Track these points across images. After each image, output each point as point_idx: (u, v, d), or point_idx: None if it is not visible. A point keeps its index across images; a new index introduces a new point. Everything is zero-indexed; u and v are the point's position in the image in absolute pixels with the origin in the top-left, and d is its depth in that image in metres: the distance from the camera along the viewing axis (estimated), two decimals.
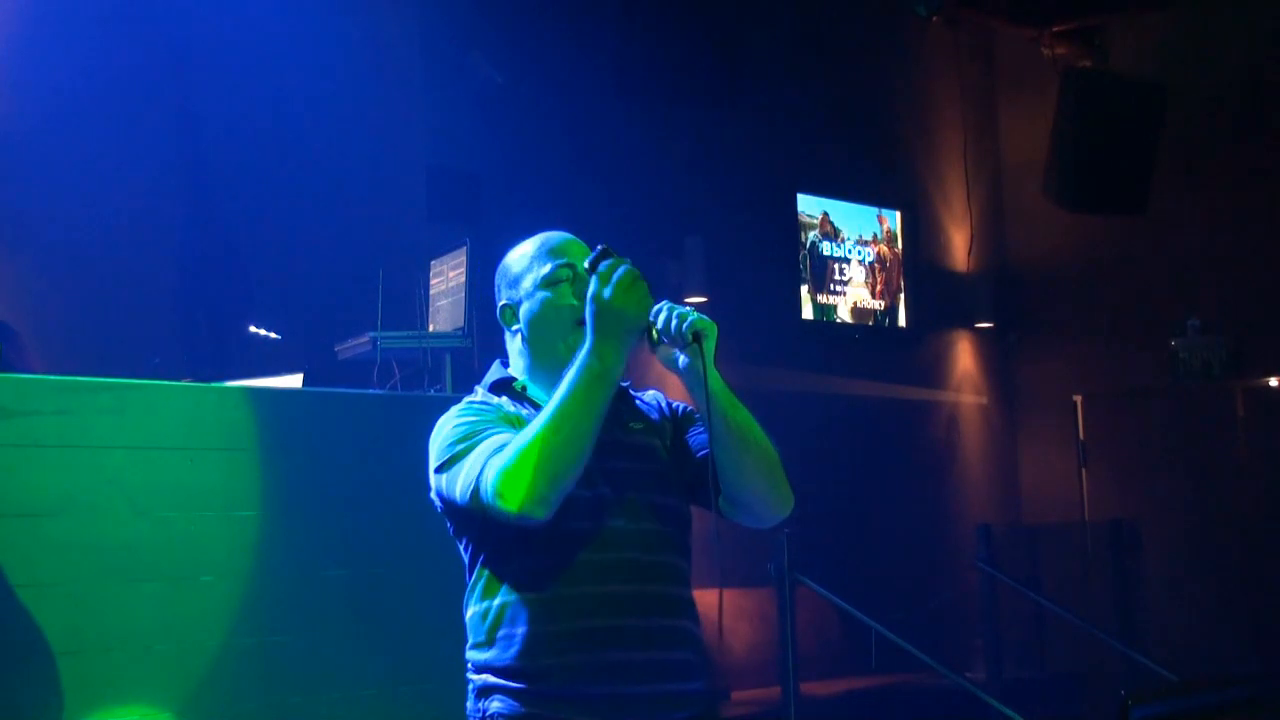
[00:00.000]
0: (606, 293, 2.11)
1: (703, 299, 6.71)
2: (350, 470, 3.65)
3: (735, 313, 6.50)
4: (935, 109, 8.69)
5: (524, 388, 2.32)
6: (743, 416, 2.21)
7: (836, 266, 8.01)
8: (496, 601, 2.18)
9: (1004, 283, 8.79)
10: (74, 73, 5.28)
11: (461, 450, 2.16)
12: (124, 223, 5.37)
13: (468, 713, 2.22)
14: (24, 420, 3.16)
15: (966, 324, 8.72)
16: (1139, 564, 7.39)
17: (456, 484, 2.14)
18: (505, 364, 2.39)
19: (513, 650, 2.14)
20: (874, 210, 8.30)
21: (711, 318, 2.21)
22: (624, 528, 2.19)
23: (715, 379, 2.17)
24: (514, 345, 2.36)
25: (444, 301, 4.78)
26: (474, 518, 2.17)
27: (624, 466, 2.24)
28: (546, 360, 2.29)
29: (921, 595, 7.47)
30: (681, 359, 2.19)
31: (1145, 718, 1.91)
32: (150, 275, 5.53)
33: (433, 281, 4.90)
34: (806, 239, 7.86)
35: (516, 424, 2.20)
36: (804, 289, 7.79)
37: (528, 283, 2.31)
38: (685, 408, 2.38)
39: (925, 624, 6.75)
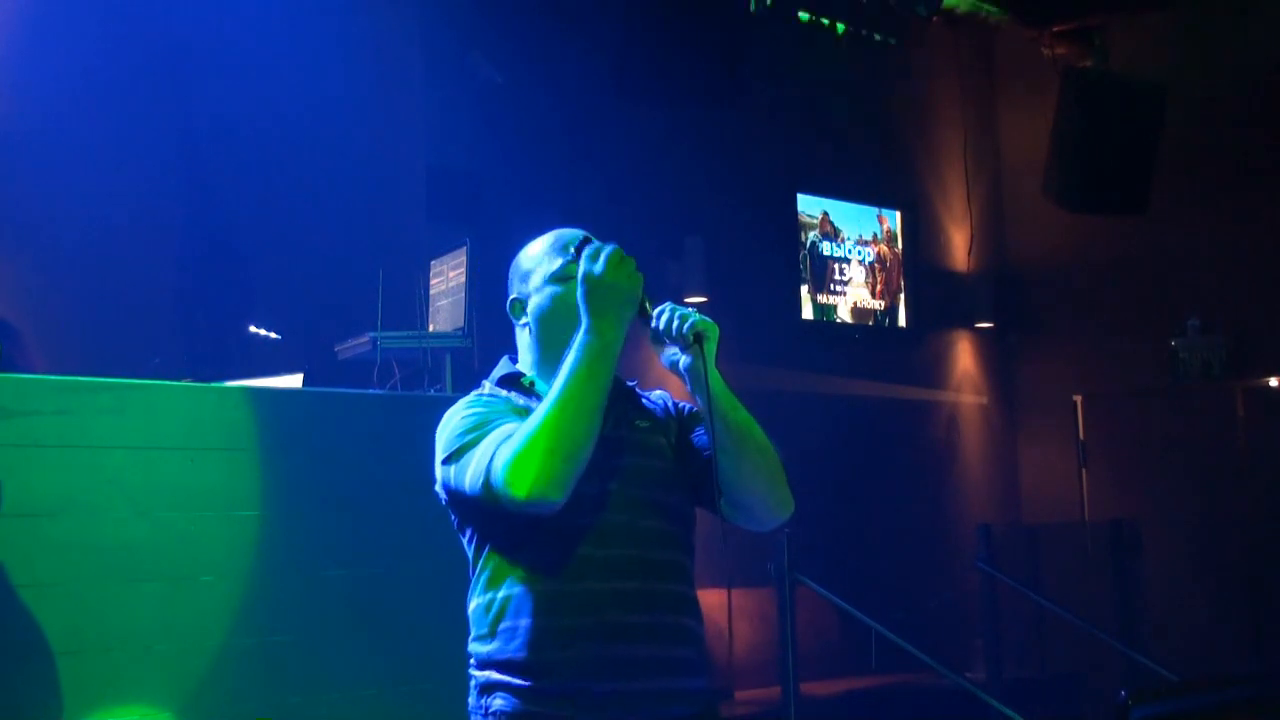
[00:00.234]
0: (596, 269, 2.14)
1: (703, 299, 6.71)
2: (350, 470, 3.65)
3: (735, 313, 6.50)
4: (935, 109, 8.69)
5: (532, 383, 2.32)
6: (743, 418, 2.21)
7: (836, 266, 8.01)
8: (500, 594, 2.18)
9: (1004, 283, 8.79)
10: (74, 73, 5.28)
11: (470, 440, 2.16)
12: (124, 223, 5.37)
13: (469, 709, 2.22)
14: (24, 420, 3.16)
15: (966, 324, 8.72)
16: (1139, 564, 7.39)
17: (466, 474, 2.14)
18: (513, 359, 2.39)
19: (516, 643, 2.14)
20: (874, 210, 8.30)
21: (711, 318, 2.22)
22: (630, 524, 2.20)
23: (716, 380, 2.18)
24: (523, 339, 2.36)
25: (444, 301, 4.78)
26: (481, 509, 2.16)
27: (631, 463, 2.24)
28: (555, 354, 2.28)
29: (921, 595, 7.47)
30: (683, 360, 2.20)
31: (1145, 718, 1.91)
32: (150, 275, 5.53)
33: (433, 281, 4.90)
34: (806, 239, 7.86)
35: (525, 416, 2.20)
36: (804, 289, 7.79)
37: (537, 277, 2.32)
38: (690, 407, 2.39)
39: (925, 624, 6.75)
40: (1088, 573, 7.47)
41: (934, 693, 6.20)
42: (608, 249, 2.17)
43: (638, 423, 2.31)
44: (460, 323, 4.57)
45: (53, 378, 3.33)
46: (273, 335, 5.09)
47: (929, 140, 8.67)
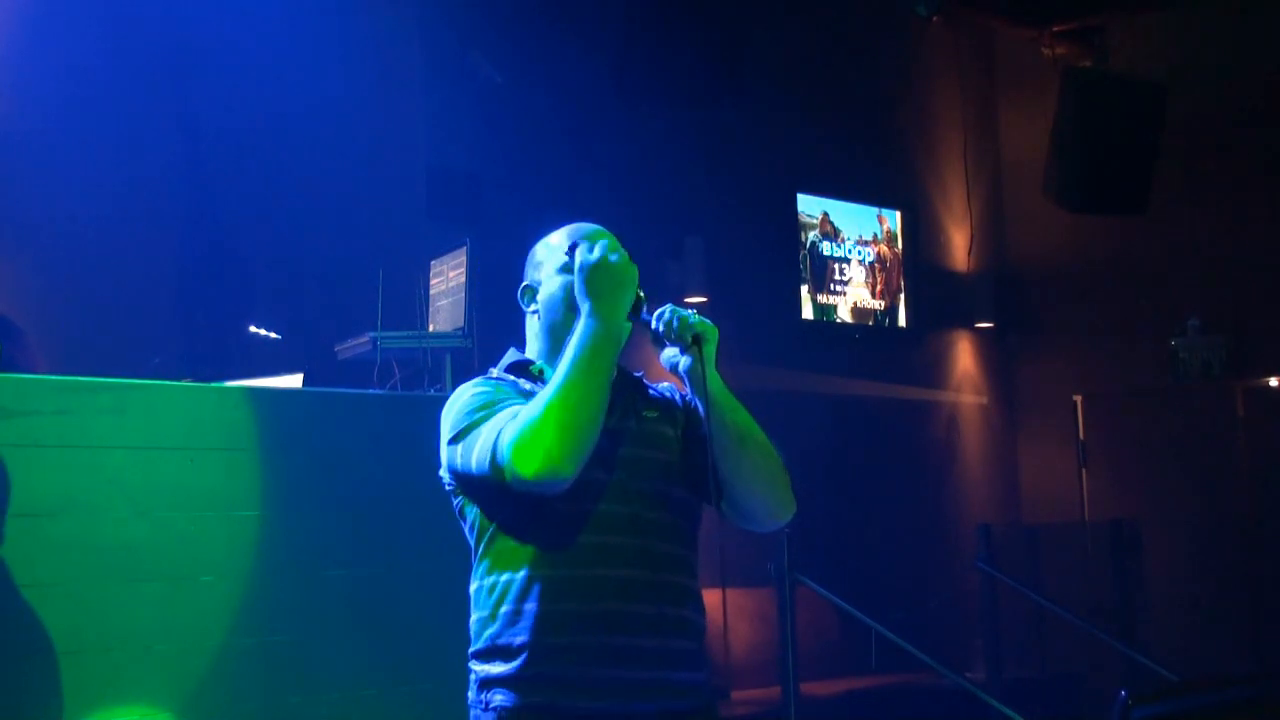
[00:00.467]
0: (593, 255, 2.17)
1: (703, 299, 6.71)
2: (350, 470, 3.65)
3: (735, 313, 6.50)
4: (935, 109, 8.69)
5: (540, 370, 2.32)
6: (743, 420, 2.22)
7: (836, 266, 8.01)
8: (503, 578, 2.18)
9: (1004, 283, 8.79)
10: (75, 73, 5.28)
11: (477, 419, 2.16)
12: (124, 223, 5.37)
13: (469, 704, 2.22)
14: (24, 420, 3.16)
15: (966, 324, 8.72)
16: (1139, 564, 7.39)
17: (472, 453, 2.14)
18: (520, 350, 2.40)
19: (516, 626, 2.14)
20: (874, 210, 8.30)
21: (711, 318, 2.22)
22: (635, 514, 2.20)
23: (716, 381, 2.19)
24: (532, 327, 2.37)
25: (444, 301, 4.78)
26: (488, 490, 2.16)
27: (638, 454, 2.24)
28: (559, 345, 2.28)
29: (921, 595, 7.47)
30: (682, 362, 2.21)
31: (1145, 718, 1.91)
32: (150, 275, 5.53)
33: (433, 281, 4.90)
34: (806, 239, 7.86)
35: (530, 398, 2.21)
36: (804, 289, 7.79)
37: (550, 266, 2.33)
38: (696, 401, 2.39)
39: (925, 624, 6.75)
40: (1088, 573, 7.47)
41: (934, 693, 6.20)
42: (601, 240, 2.21)
43: (645, 413, 2.31)
44: (460, 323, 4.57)
45: (53, 378, 3.33)
46: (273, 335, 5.09)
47: (929, 140, 8.67)
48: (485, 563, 2.22)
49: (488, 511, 2.22)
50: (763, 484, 2.24)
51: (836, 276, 8.01)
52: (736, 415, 2.21)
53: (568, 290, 2.28)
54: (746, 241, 7.34)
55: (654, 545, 2.21)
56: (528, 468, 2.04)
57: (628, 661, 2.14)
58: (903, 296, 8.36)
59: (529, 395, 2.21)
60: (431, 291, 4.89)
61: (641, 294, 2.25)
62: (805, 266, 7.82)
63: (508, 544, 2.19)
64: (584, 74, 6.39)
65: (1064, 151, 6.64)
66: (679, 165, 7.01)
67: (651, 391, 2.38)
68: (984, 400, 8.83)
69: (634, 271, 2.19)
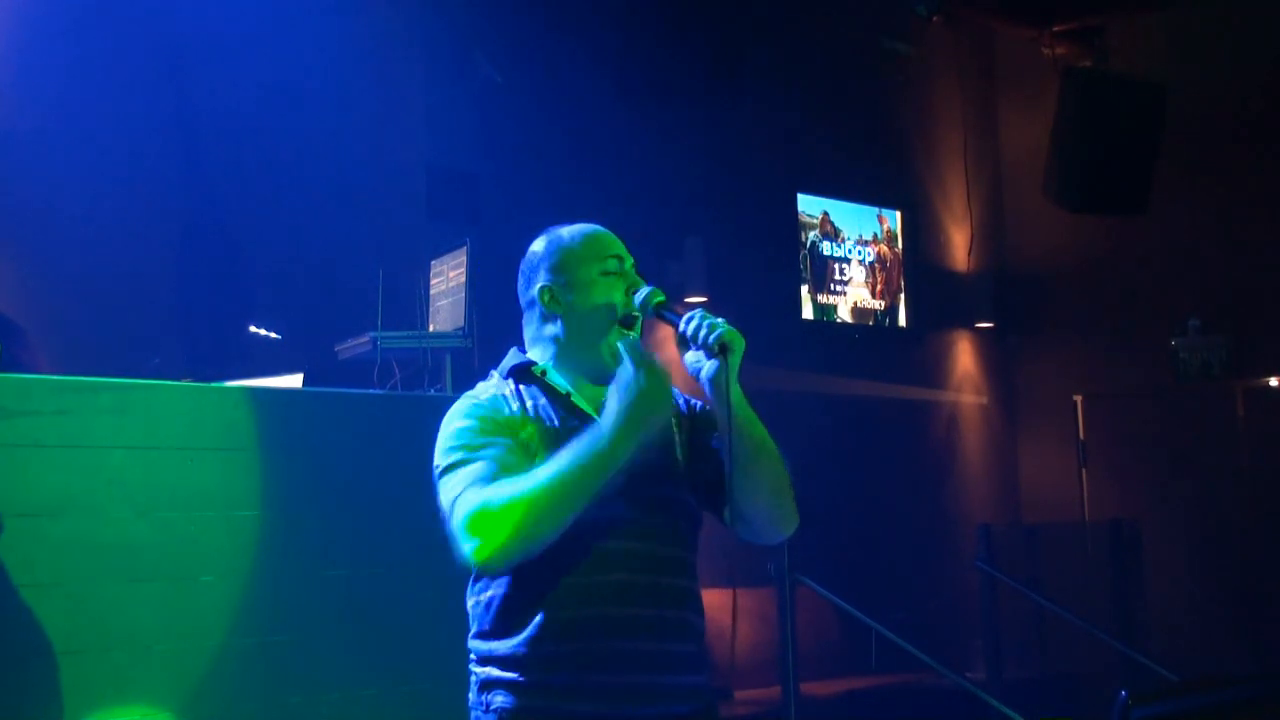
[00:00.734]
0: (644, 382, 2.06)
1: (703, 299, 6.71)
2: (350, 470, 3.65)
3: (735, 313, 6.46)
4: (935, 109, 8.69)
5: (544, 372, 2.29)
6: (759, 433, 2.21)
7: (836, 266, 8.01)
8: (501, 589, 2.17)
9: (1004, 283, 8.79)
10: (75, 74, 5.28)
11: (455, 461, 2.14)
12: (124, 223, 5.37)
13: (470, 705, 2.21)
14: (24, 420, 3.16)
15: (966, 324, 8.72)
16: (1139, 564, 7.39)
17: (440, 497, 2.14)
18: (522, 350, 2.36)
19: (518, 638, 2.13)
20: (874, 210, 8.30)
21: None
22: (638, 519, 2.19)
23: (737, 393, 2.17)
24: (544, 330, 2.31)
25: (444, 301, 4.78)
26: None
27: (641, 457, 2.23)
28: (579, 350, 2.28)
29: (921, 595, 7.47)
30: (706, 368, 2.19)
31: (1145, 718, 1.91)
32: (150, 275, 5.53)
33: (433, 281, 4.90)
34: (806, 239, 7.86)
35: (519, 427, 2.19)
36: (804, 289, 7.79)
37: (579, 269, 2.29)
38: (702, 406, 2.38)
39: (925, 624, 6.75)
40: (1088, 573, 7.47)
41: (934, 693, 6.20)
42: (656, 363, 2.08)
43: None
44: (460, 323, 4.57)
45: (53, 378, 3.33)
46: (273, 335, 5.09)
47: (929, 140, 8.67)
48: (483, 575, 2.20)
49: None
50: (769, 497, 2.23)
51: (836, 276, 8.01)
52: (754, 429, 2.20)
53: (597, 295, 2.25)
54: (746, 241, 7.34)
55: (654, 549, 2.20)
56: (476, 553, 2.05)
57: (628, 666, 2.13)
58: (903, 296, 8.36)
59: (516, 421, 2.19)
60: (431, 291, 4.88)
61: (661, 294, 2.26)
62: (805, 266, 7.82)
63: None
64: (584, 74, 6.39)
65: (1064, 151, 6.64)
66: (679, 165, 7.01)
67: None
68: (984, 400, 8.83)
69: (671, 405, 2.11)
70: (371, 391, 4.29)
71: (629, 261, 2.33)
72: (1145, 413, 8.16)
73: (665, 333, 2.33)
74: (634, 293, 2.29)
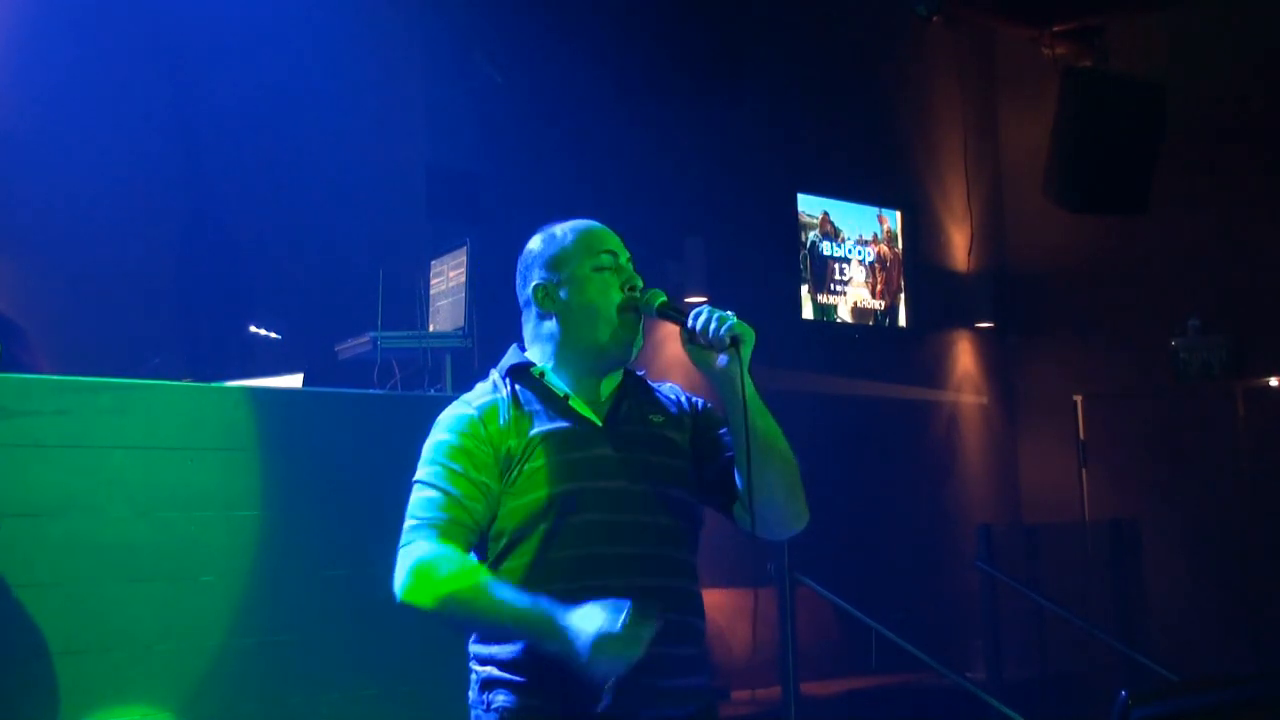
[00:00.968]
0: (616, 634, 1.96)
1: (703, 299, 6.71)
2: (350, 470, 3.64)
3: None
4: (935, 109, 8.70)
5: (542, 374, 2.28)
6: (771, 426, 2.20)
7: (836, 266, 8.01)
8: None
9: (1004, 283, 8.79)
10: (74, 73, 5.28)
11: (424, 481, 2.20)
12: (124, 222, 5.37)
13: (470, 704, 2.21)
14: (24, 420, 3.16)
15: (966, 324, 8.72)
16: (1139, 564, 7.39)
17: (408, 506, 2.20)
18: (521, 348, 2.35)
19: (519, 645, 2.12)
20: (874, 210, 8.30)
21: None
22: (641, 521, 2.19)
23: (749, 386, 2.16)
24: (542, 328, 2.31)
25: (444, 301, 4.78)
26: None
27: (643, 459, 2.23)
28: (577, 347, 2.27)
29: (921, 595, 7.47)
30: (717, 363, 2.18)
31: (1145, 718, 1.91)
32: (150, 275, 5.53)
33: (433, 281, 4.90)
34: (806, 239, 7.86)
35: (502, 440, 2.18)
36: (804, 289, 7.80)
37: (574, 265, 2.28)
38: (704, 404, 2.38)
39: (925, 624, 6.75)
40: (1088, 573, 7.47)
41: (934, 693, 6.20)
42: (640, 639, 1.97)
43: (651, 417, 2.29)
44: (460, 323, 4.56)
45: (53, 378, 3.32)
46: (273, 335, 5.09)
47: (929, 140, 8.67)
48: None
49: (487, 534, 2.21)
50: (783, 492, 2.22)
51: (836, 276, 8.01)
52: (765, 422, 2.19)
53: (594, 290, 2.25)
54: (746, 241, 7.34)
55: (655, 550, 2.20)
56: (401, 594, 2.12)
57: (634, 670, 2.09)
58: (903, 296, 8.36)
59: (499, 435, 2.18)
60: (431, 291, 4.88)
61: (662, 294, 2.26)
62: (805, 266, 7.82)
63: (509, 560, 2.18)
64: (584, 74, 6.39)
65: (1064, 151, 6.64)
66: (679, 165, 7.01)
67: (656, 394, 2.36)
68: (984, 400, 8.83)
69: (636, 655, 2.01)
70: (371, 391, 4.29)
71: (624, 256, 2.31)
72: (1145, 413, 8.16)
73: (669, 330, 2.32)
74: (630, 288, 2.28)
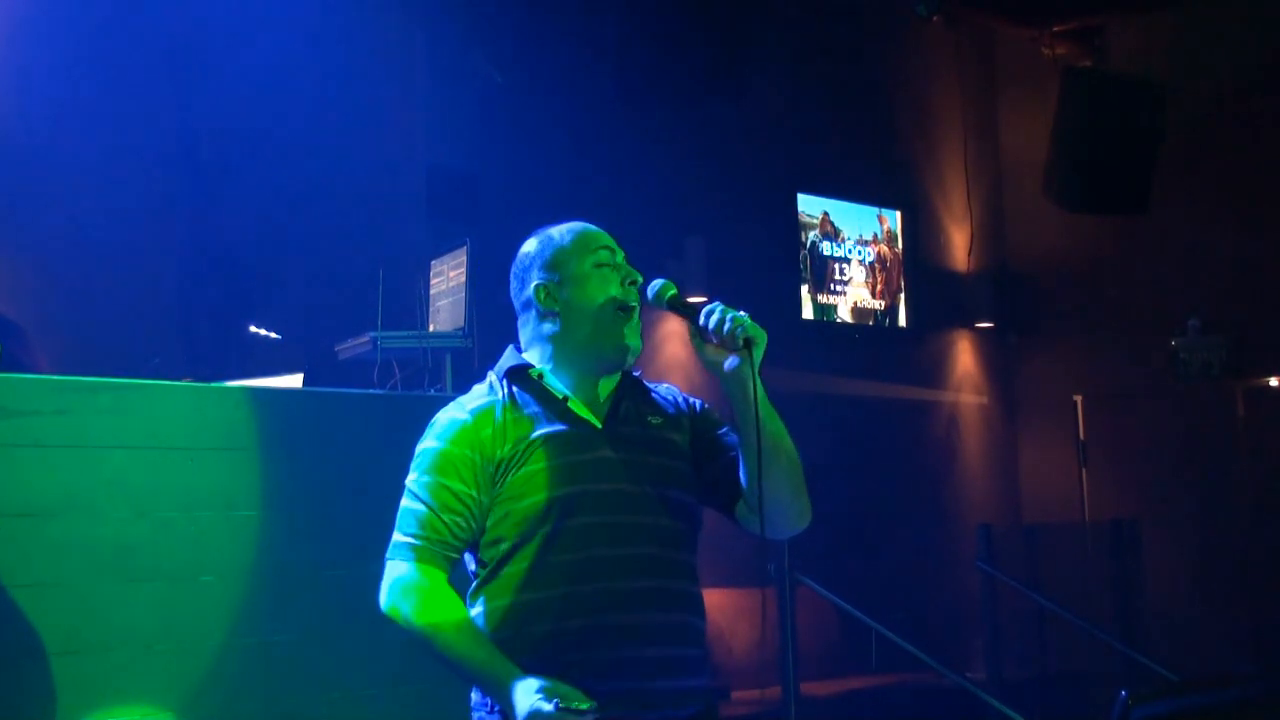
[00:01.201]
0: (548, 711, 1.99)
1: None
2: (350, 470, 3.64)
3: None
4: (935, 109, 8.70)
5: (540, 375, 2.27)
6: (778, 428, 2.20)
7: (836, 266, 8.01)
8: (504, 601, 2.16)
9: (1004, 283, 8.79)
10: (75, 73, 5.28)
11: (412, 491, 2.23)
12: (124, 223, 5.37)
13: (472, 705, 2.21)
14: (24, 420, 3.16)
15: (966, 324, 8.72)
16: (1139, 564, 7.39)
17: (398, 512, 2.23)
18: (518, 349, 2.35)
19: (523, 649, 2.12)
20: (874, 210, 8.30)
21: None
22: (641, 523, 2.19)
23: (760, 388, 2.16)
24: (541, 329, 2.30)
25: (444, 301, 4.78)
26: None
27: (642, 460, 2.22)
28: (578, 345, 2.26)
29: (921, 595, 7.47)
30: (727, 363, 2.17)
31: (1145, 718, 1.91)
32: (150, 275, 5.53)
33: (433, 281, 4.90)
34: (806, 239, 7.86)
35: (493, 447, 2.18)
36: (804, 289, 7.80)
37: (573, 264, 2.28)
38: (702, 404, 2.37)
39: (925, 624, 6.75)
40: (1088, 573, 7.47)
41: (934, 693, 6.20)
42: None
43: (650, 419, 2.29)
44: (460, 323, 4.56)
45: (53, 378, 3.32)
46: (273, 335, 5.09)
47: (929, 140, 8.67)
48: (489, 586, 2.19)
49: (485, 541, 2.20)
50: (789, 491, 2.22)
51: (836, 276, 8.01)
52: (773, 423, 2.18)
53: (593, 288, 2.25)
54: (746, 241, 7.35)
55: (654, 552, 2.20)
56: (383, 608, 2.20)
57: (632, 673, 2.12)
58: (903, 296, 8.36)
59: (486, 441, 2.19)
60: (431, 291, 4.88)
61: (673, 286, 2.27)
62: (805, 266, 7.82)
63: (510, 566, 2.18)
64: (584, 74, 6.39)
65: (1064, 151, 6.65)
66: (679, 165, 7.01)
67: (654, 395, 2.35)
68: (984, 400, 8.83)
69: None
70: (371, 391, 4.29)
71: (620, 254, 2.32)
72: (1145, 413, 8.16)
73: (668, 330, 2.33)
74: (630, 283, 2.28)
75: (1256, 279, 7.72)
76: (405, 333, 4.56)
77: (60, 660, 3.12)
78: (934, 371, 8.54)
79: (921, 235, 8.48)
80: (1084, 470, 8.09)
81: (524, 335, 2.35)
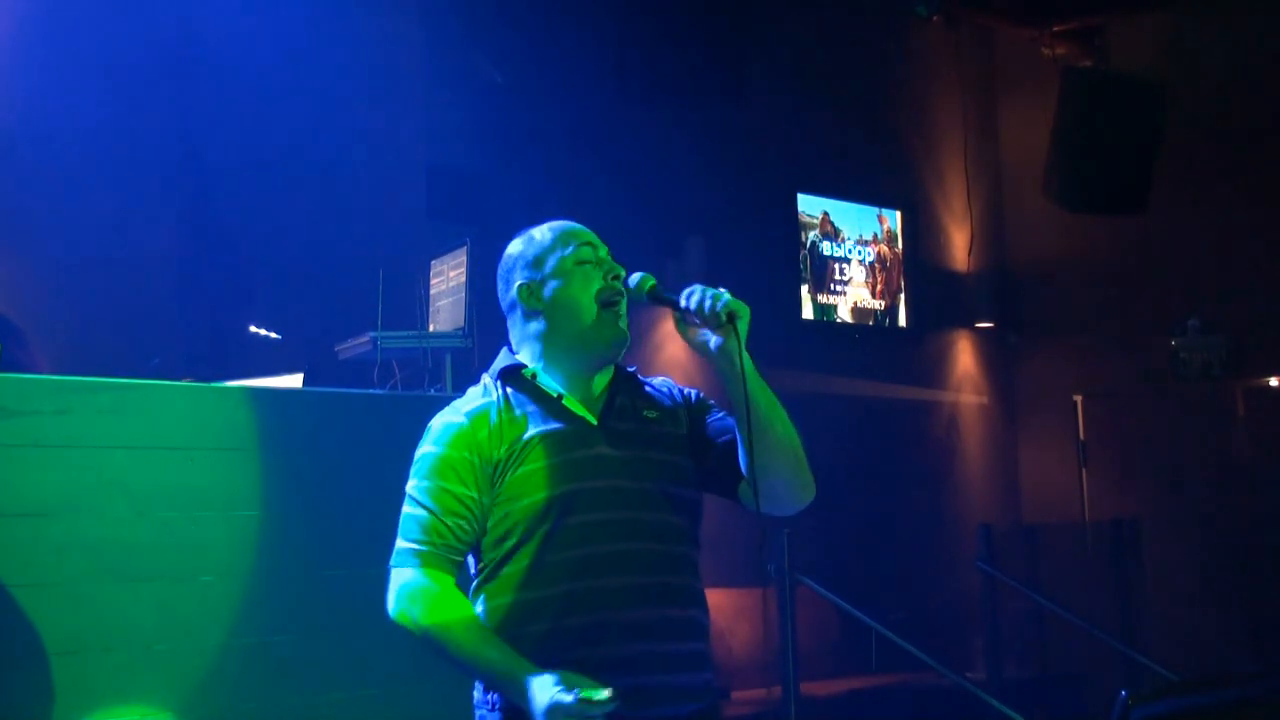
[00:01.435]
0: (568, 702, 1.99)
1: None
2: (350, 470, 3.65)
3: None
4: (935, 109, 8.69)
5: (534, 374, 2.28)
6: (771, 400, 2.19)
7: (836, 266, 8.01)
8: (506, 599, 2.17)
9: (1004, 283, 8.79)
10: (75, 73, 5.28)
11: (412, 497, 2.23)
12: (124, 223, 5.37)
13: (475, 703, 2.21)
14: (24, 420, 3.16)
15: (966, 324, 8.72)
16: (1139, 564, 7.40)
17: (400, 519, 2.23)
18: (512, 350, 2.35)
19: (524, 648, 2.11)
20: (874, 210, 8.30)
21: None
22: (640, 518, 2.19)
23: (748, 360, 2.16)
24: (528, 329, 2.31)
25: (444, 301, 4.78)
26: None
27: (641, 456, 2.23)
28: (566, 343, 2.27)
29: (921, 595, 7.47)
30: (713, 341, 2.17)
31: (1145, 718, 1.91)
32: (150, 275, 5.53)
33: (433, 281, 4.90)
34: (806, 239, 7.86)
35: (490, 449, 2.18)
36: (804, 289, 7.80)
37: (553, 263, 2.28)
38: (697, 394, 2.37)
39: (925, 624, 6.75)
40: (1088, 573, 7.48)
41: (934, 693, 6.20)
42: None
43: (645, 413, 2.29)
44: (460, 323, 4.57)
45: (53, 378, 3.33)
46: (273, 335, 5.08)
47: (929, 140, 8.67)
48: (490, 584, 2.20)
49: (486, 541, 2.21)
50: (788, 466, 2.21)
51: (836, 276, 8.01)
52: (766, 396, 2.18)
53: (575, 285, 2.25)
54: (746, 241, 7.34)
55: (655, 547, 2.20)
56: (392, 614, 2.20)
57: (636, 668, 2.12)
58: (903, 296, 8.36)
59: (483, 443, 2.19)
60: (431, 291, 4.88)
61: (652, 278, 2.26)
62: (805, 266, 7.82)
63: (511, 564, 2.18)
64: (584, 74, 6.39)
65: (1064, 151, 6.65)
66: (679, 165, 7.01)
67: (649, 389, 2.35)
68: (984, 400, 8.83)
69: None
70: (371, 391, 4.29)
71: (603, 250, 2.32)
72: (1145, 413, 8.16)
73: (669, 331, 2.33)
74: (614, 277, 2.28)
75: (1256, 279, 7.72)
76: (405, 333, 4.56)
77: (60, 660, 3.12)
78: (934, 371, 8.54)
79: (921, 235, 8.48)
80: (1084, 470, 8.10)
81: (514, 336, 2.35)
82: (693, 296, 2.17)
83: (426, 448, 2.24)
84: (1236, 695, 2.13)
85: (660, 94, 6.11)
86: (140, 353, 4.87)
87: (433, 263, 4.91)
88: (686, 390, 2.38)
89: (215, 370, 4.83)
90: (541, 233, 2.34)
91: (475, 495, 2.18)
